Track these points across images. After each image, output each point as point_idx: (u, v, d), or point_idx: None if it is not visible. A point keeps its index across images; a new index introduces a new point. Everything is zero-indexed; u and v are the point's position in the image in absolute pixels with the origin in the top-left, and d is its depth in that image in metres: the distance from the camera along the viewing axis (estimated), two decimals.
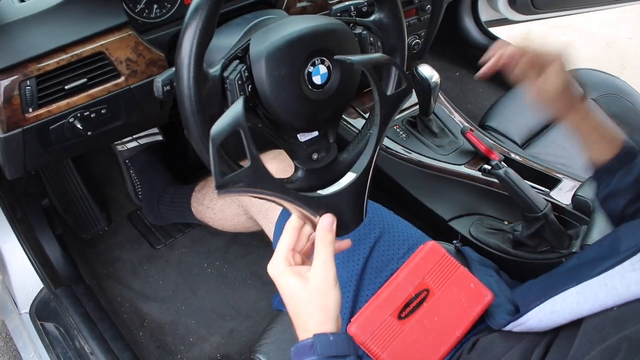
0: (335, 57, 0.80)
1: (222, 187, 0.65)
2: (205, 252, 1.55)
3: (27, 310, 1.30)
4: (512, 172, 1.10)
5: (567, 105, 0.85)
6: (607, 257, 0.67)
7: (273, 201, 0.72)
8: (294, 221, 0.73)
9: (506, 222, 1.24)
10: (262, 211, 1.14)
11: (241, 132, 0.64)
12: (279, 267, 0.69)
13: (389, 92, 0.80)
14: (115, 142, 1.55)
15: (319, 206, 0.73)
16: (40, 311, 1.28)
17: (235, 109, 0.65)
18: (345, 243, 0.79)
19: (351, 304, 0.97)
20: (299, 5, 1.13)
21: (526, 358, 0.69)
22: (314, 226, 0.73)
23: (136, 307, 1.43)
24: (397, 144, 1.33)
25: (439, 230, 1.28)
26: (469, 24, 2.02)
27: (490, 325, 0.87)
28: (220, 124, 0.64)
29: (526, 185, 1.09)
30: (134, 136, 1.54)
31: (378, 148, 0.81)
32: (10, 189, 1.27)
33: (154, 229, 1.61)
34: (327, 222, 0.71)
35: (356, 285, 0.98)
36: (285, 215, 1.08)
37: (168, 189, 1.55)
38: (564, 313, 0.66)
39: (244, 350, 1.34)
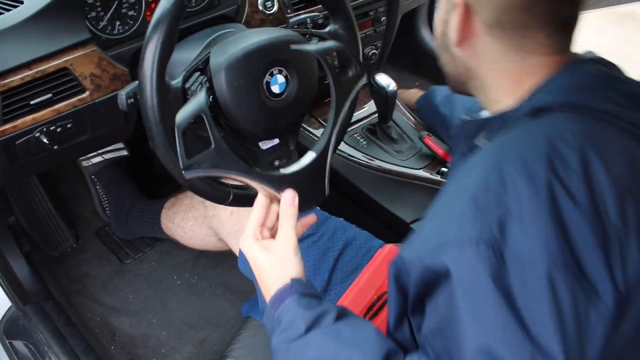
0: (293, 46, 0.85)
1: (188, 168, 0.71)
2: (174, 265, 1.57)
3: None
4: None
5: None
6: None
7: (238, 180, 0.78)
8: (261, 199, 0.79)
9: None
10: (232, 233, 1.18)
11: (204, 117, 0.70)
12: (248, 241, 0.75)
13: (343, 78, 0.87)
14: (81, 158, 1.56)
15: (281, 183, 0.79)
16: (9, 330, 1.27)
17: (198, 97, 0.72)
18: (311, 218, 0.85)
19: None
20: (257, 18, 1.17)
21: None
22: (279, 202, 0.78)
23: (107, 322, 1.43)
24: (357, 151, 1.38)
25: (401, 232, 1.32)
26: (425, 34, 2.09)
27: None
28: (185, 111, 0.71)
29: None
30: (99, 152, 1.56)
31: (336, 129, 0.88)
32: None
33: (122, 244, 1.61)
34: (288, 197, 0.77)
35: (322, 294, 1.02)
36: None
37: (136, 203, 1.57)
38: None
39: (215, 358, 1.36)
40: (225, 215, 1.20)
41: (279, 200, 0.78)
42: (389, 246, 1.03)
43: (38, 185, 1.52)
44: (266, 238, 0.77)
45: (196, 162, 0.71)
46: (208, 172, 0.74)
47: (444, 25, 0.71)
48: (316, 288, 0.75)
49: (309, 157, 0.85)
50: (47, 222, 1.55)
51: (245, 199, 0.90)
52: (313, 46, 0.86)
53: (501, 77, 0.68)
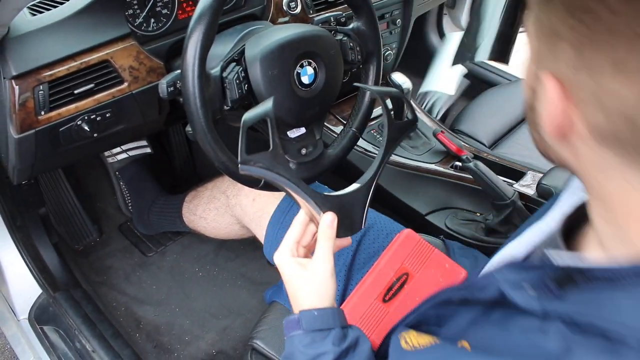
0: (357, 84, 0.93)
1: (245, 163, 0.73)
2: (195, 258, 1.62)
3: (26, 316, 1.34)
4: (481, 165, 1.20)
5: None
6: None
7: (284, 190, 0.79)
8: (301, 216, 0.79)
9: (478, 214, 1.34)
10: (255, 219, 1.22)
11: (268, 121, 0.73)
12: (284, 256, 0.76)
13: (397, 120, 0.90)
14: (106, 154, 1.62)
15: (324, 203, 0.78)
16: (40, 316, 1.33)
17: (266, 104, 0.74)
18: (346, 241, 0.84)
19: (341, 293, 1.05)
20: (281, 19, 1.24)
21: None
22: (317, 223, 0.79)
23: (131, 311, 1.48)
24: (374, 147, 1.43)
25: (417, 224, 1.37)
26: (434, 38, 2.15)
27: None
28: (252, 112, 0.73)
29: (495, 175, 1.20)
30: (124, 148, 1.61)
31: (383, 166, 0.89)
32: (12, 196, 1.32)
33: (144, 238, 1.67)
34: (329, 219, 0.76)
35: (346, 275, 1.07)
36: (275, 220, 1.16)
37: (158, 199, 1.62)
38: (505, 259, 0.69)
39: (238, 345, 1.40)
40: (247, 203, 1.25)
41: (316, 221, 0.78)
42: (406, 231, 1.08)
43: (64, 182, 1.58)
44: (301, 256, 0.78)
45: (253, 160, 0.72)
46: (260, 172, 0.74)
47: (531, 94, 0.48)
48: (328, 319, 0.72)
49: (354, 187, 0.85)
50: (73, 216, 1.61)
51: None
52: (375, 87, 0.92)
53: (619, 205, 0.44)
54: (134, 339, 1.41)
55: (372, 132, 1.47)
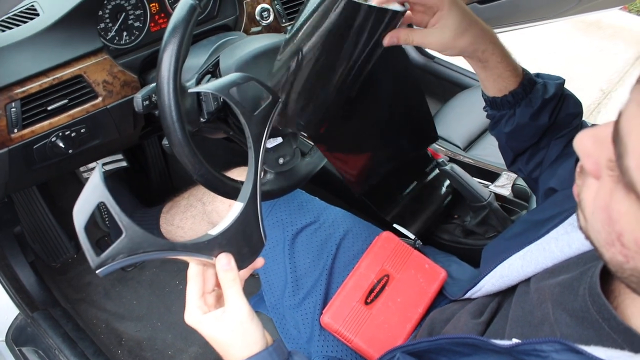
0: (190, 90, 0.80)
1: (102, 266, 0.60)
2: (175, 270, 1.61)
3: (3, 338, 1.31)
4: (457, 167, 1.22)
5: (478, 33, 0.78)
6: (546, 221, 0.75)
7: (163, 259, 0.68)
8: (193, 269, 0.71)
9: (455, 216, 1.36)
10: None
11: (106, 205, 0.59)
12: (195, 317, 0.69)
13: (255, 112, 0.75)
14: (81, 169, 1.60)
15: (212, 248, 0.69)
16: (17, 337, 1.30)
17: (93, 182, 0.59)
18: (258, 263, 0.77)
19: (323, 297, 1.05)
20: (254, 29, 1.24)
21: (482, 311, 0.79)
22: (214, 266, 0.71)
23: (112, 327, 1.46)
24: None
25: (394, 228, 1.38)
26: (410, 50, 2.18)
27: (448, 297, 0.98)
28: (80, 202, 0.59)
29: (470, 178, 1.22)
30: (100, 163, 1.60)
31: (260, 171, 0.76)
32: None
33: None
34: (223, 263, 0.68)
35: (327, 279, 1.07)
36: None
37: (135, 213, 1.60)
38: (512, 277, 0.75)
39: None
40: (223, 209, 1.24)
41: (212, 267, 0.71)
42: (385, 233, 1.09)
43: (39, 199, 1.56)
44: (212, 305, 0.72)
45: (109, 257, 0.59)
46: (126, 261, 0.61)
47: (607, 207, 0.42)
48: (265, 357, 0.69)
49: (237, 208, 0.73)
50: (49, 234, 1.59)
51: None
52: (210, 85, 0.74)
53: None
54: (116, 356, 1.39)
55: None
